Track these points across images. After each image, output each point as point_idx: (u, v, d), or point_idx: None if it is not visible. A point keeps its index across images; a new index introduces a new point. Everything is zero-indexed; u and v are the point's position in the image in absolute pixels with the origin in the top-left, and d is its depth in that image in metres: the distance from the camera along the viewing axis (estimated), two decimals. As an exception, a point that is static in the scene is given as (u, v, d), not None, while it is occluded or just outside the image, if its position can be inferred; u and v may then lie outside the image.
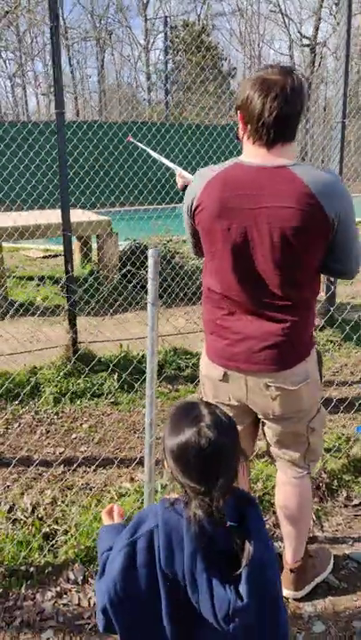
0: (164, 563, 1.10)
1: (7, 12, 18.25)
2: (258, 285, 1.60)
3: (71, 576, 1.97)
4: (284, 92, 1.51)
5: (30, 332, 4.90)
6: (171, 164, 3.16)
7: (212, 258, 1.68)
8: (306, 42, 22.91)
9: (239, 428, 1.83)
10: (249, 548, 1.09)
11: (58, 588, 1.93)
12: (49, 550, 2.07)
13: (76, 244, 6.97)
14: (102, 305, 5.21)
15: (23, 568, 1.97)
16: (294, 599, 1.93)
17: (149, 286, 1.99)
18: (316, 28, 22.35)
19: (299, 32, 23.14)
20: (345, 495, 2.51)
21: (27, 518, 2.29)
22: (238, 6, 25.42)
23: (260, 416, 1.79)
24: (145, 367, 3.58)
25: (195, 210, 1.66)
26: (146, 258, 5.76)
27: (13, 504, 2.42)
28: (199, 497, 1.09)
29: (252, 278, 1.60)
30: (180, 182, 2.94)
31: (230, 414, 1.79)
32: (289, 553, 1.94)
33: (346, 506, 2.46)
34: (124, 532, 1.19)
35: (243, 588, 1.06)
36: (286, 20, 22.79)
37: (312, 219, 1.49)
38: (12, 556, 2.00)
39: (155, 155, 3.33)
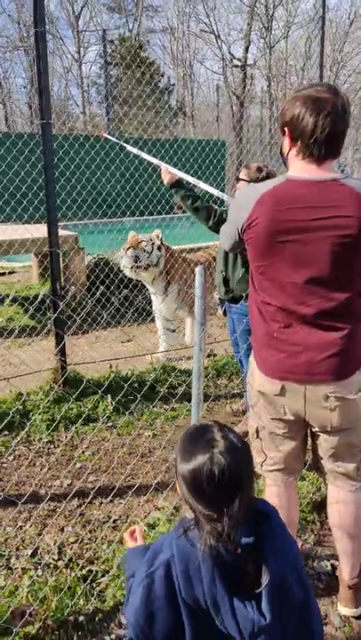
0: (184, 591, 1.12)
1: None
2: (315, 295, 1.63)
3: (123, 620, 1.83)
4: (335, 109, 1.59)
5: (1, 355, 4.60)
6: (154, 160, 3.11)
7: (265, 271, 1.69)
8: (237, 62, 23.74)
9: (292, 444, 1.84)
10: (266, 568, 1.10)
11: (113, 636, 1.77)
12: (95, 595, 1.91)
13: (33, 260, 6.69)
14: (73, 324, 5.00)
15: (72, 618, 1.79)
16: (355, 617, 1.89)
17: (196, 304, 1.93)
18: (246, 50, 23.25)
19: (229, 52, 23.93)
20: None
21: (56, 561, 2.10)
22: (169, 24, 25.94)
23: (315, 429, 1.78)
24: (138, 387, 3.49)
25: (246, 227, 1.68)
26: (109, 274, 5.53)
27: (36, 547, 2.22)
28: (211, 523, 1.10)
29: (309, 289, 1.63)
30: (167, 178, 2.89)
31: (284, 430, 1.81)
32: (346, 570, 1.91)
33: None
34: (143, 564, 1.20)
35: (265, 608, 1.09)
36: (218, 41, 23.50)
37: None
38: (57, 606, 1.82)
39: (134, 150, 3.28)
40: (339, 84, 17.59)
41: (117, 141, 3.48)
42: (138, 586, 1.16)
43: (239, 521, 1.10)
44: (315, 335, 1.66)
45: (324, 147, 1.60)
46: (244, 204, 1.68)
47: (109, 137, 3.60)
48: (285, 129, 1.67)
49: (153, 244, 4.11)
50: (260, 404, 1.82)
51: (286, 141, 1.69)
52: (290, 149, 1.67)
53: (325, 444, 1.78)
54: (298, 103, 1.62)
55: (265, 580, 1.09)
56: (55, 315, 3.48)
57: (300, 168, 1.64)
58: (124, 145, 3.41)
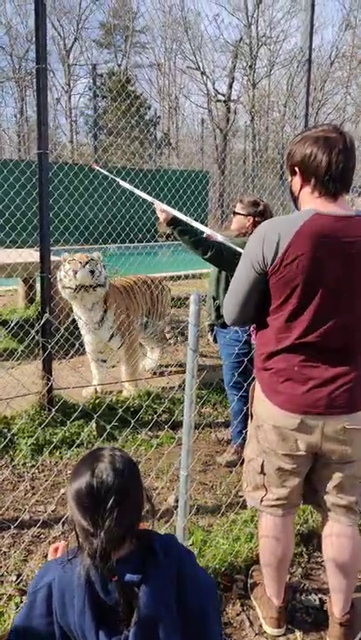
0: (59, 616, 1.16)
1: None
2: (344, 330, 1.65)
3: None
4: (345, 146, 1.65)
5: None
6: (147, 197, 3.07)
7: (297, 307, 1.66)
8: (220, 97, 24.55)
9: (297, 480, 1.80)
10: (136, 606, 1.11)
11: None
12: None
13: (20, 285, 6.69)
14: (61, 348, 5.01)
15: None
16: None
17: (190, 332, 1.96)
18: (230, 86, 24.11)
19: (214, 88, 24.76)
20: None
21: (41, 588, 2.08)
22: (156, 60, 26.78)
23: (323, 461, 1.77)
24: (123, 413, 3.50)
25: (277, 265, 1.63)
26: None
27: (19, 573, 2.20)
28: (89, 539, 1.12)
29: (340, 323, 1.64)
30: (162, 216, 2.88)
31: (293, 466, 1.77)
32: (338, 606, 1.88)
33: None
34: (34, 580, 1.24)
35: None
36: (203, 77, 24.33)
37: None
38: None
39: (127, 185, 3.23)
40: (319, 121, 18.30)
41: (108, 174, 3.51)
42: (26, 599, 1.22)
43: (115, 539, 1.11)
44: (333, 369, 1.67)
45: (339, 182, 1.64)
46: (274, 239, 1.62)
47: (102, 170, 3.63)
48: (296, 169, 1.71)
49: (101, 263, 3.85)
50: (270, 439, 1.78)
51: (297, 181, 1.72)
52: (302, 188, 1.71)
53: (334, 475, 1.77)
54: (308, 143, 1.66)
55: (134, 620, 1.10)
56: (43, 339, 3.50)
57: (318, 205, 1.65)
58: (117, 179, 3.40)
